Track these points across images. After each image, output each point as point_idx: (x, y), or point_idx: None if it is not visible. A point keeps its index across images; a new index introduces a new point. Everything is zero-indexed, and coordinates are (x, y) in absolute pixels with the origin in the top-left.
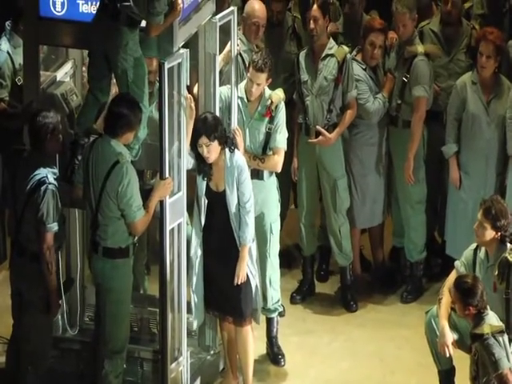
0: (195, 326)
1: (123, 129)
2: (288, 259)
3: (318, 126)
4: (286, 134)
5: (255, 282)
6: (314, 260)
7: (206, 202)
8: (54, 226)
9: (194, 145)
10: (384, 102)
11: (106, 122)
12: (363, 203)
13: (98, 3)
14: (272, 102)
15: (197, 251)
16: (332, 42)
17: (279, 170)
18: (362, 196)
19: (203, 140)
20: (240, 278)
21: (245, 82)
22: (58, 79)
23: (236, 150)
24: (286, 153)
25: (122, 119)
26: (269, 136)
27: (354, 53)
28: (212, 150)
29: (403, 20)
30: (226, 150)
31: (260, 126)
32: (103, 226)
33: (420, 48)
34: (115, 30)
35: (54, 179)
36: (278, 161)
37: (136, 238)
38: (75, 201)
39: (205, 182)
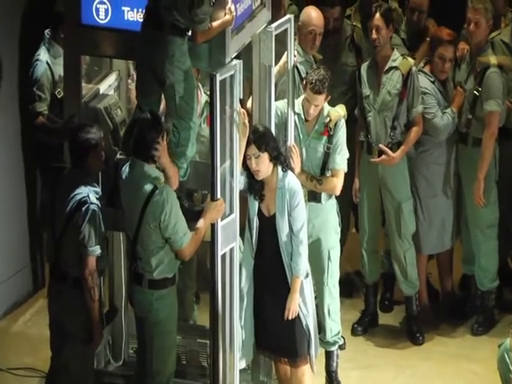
0: (243, 365)
1: (155, 152)
2: (349, 287)
3: (380, 145)
4: (347, 155)
5: (305, 322)
6: (376, 288)
7: (258, 225)
8: (97, 250)
9: (244, 160)
10: (453, 118)
11: (134, 145)
12: (430, 227)
13: (144, 11)
14: (331, 119)
15: (247, 281)
16: (396, 53)
17: (338, 193)
18: (428, 219)
19: (251, 150)
20: (291, 312)
21: (302, 97)
22: (101, 92)
23: (289, 170)
24: (346, 173)
25: (152, 142)
26: (327, 156)
27: (422, 64)
28: (261, 163)
29: (477, 17)
30: (279, 169)
31: (318, 145)
32: (146, 259)
33: (493, 59)
34: (160, 40)
35: (97, 199)
36: (336, 183)
37: (180, 264)
38: (119, 223)
39: (257, 203)
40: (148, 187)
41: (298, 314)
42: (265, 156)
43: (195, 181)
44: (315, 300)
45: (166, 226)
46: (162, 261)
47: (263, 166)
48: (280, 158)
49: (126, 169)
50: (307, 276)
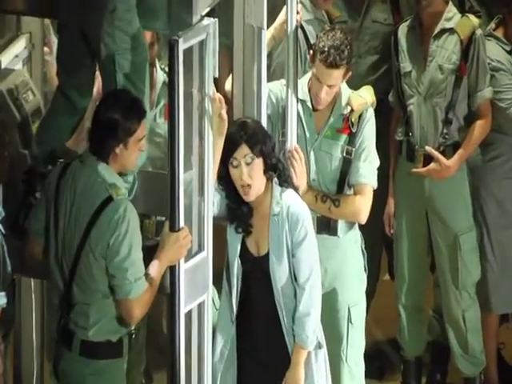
0: None
1: (117, 147)
2: (379, 364)
3: (428, 147)
4: (377, 163)
5: None
6: (421, 366)
7: (241, 270)
8: (0, 299)
9: (224, 170)
10: None
11: (90, 135)
12: (503, 273)
13: None
14: (352, 109)
15: (224, 354)
16: (452, 9)
17: (363, 220)
18: (501, 262)
19: (242, 151)
20: None
21: (309, 75)
22: (3, 66)
23: (289, 185)
24: (376, 190)
25: (117, 131)
26: (347, 165)
27: (493, 25)
28: (254, 174)
29: None
30: (274, 184)
31: (333, 147)
32: (82, 306)
33: None
34: None
35: None
36: (361, 205)
37: (133, 325)
38: (30, 263)
39: (241, 237)
40: (99, 196)
41: None
42: (259, 163)
43: (146, 201)
44: None
45: (113, 255)
46: (105, 313)
47: (256, 177)
48: (279, 168)
49: (67, 173)
50: (320, 347)
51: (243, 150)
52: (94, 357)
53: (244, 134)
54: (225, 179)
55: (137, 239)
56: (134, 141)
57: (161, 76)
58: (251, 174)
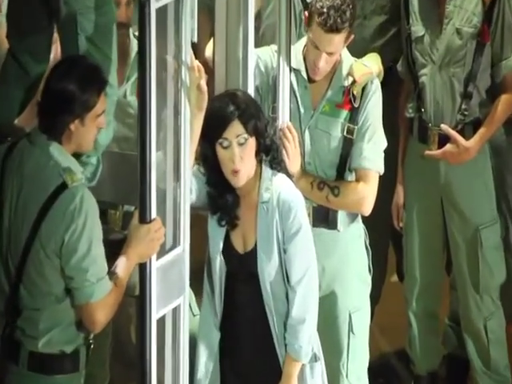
0: None
1: (73, 122)
2: (386, 380)
3: (444, 125)
4: (384, 144)
5: None
6: (435, 383)
7: (225, 270)
8: None
9: (208, 151)
10: None
11: (40, 110)
12: None
13: None
14: (355, 80)
15: (209, 368)
16: None
17: (368, 211)
18: None
19: (235, 130)
20: None
21: (304, 40)
22: None
23: (282, 170)
24: (382, 176)
25: (72, 104)
26: (348, 145)
27: None
28: (246, 156)
29: None
30: (264, 167)
31: (332, 125)
32: (31, 312)
33: None
34: None
35: None
36: (364, 193)
37: (92, 334)
38: None
39: (224, 230)
40: (52, 182)
41: None
42: (253, 143)
43: (113, 188)
44: None
45: (70, 253)
46: (59, 320)
47: (248, 160)
48: (272, 149)
49: (13, 154)
50: (316, 360)
51: (236, 129)
52: (45, 372)
53: (236, 109)
54: (208, 162)
55: (97, 232)
56: (92, 116)
57: (134, 46)
58: (243, 156)
